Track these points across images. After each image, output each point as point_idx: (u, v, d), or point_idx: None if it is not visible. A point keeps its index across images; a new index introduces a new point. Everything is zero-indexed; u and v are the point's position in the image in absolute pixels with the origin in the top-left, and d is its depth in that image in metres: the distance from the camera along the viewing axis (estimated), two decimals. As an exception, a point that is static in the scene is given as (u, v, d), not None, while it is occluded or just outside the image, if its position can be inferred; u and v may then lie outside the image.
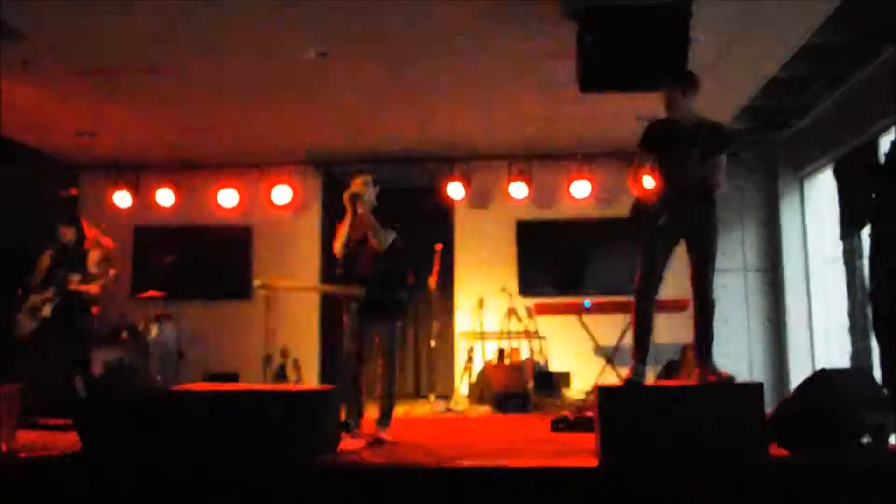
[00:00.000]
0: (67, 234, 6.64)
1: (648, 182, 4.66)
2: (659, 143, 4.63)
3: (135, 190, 9.34)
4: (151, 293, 8.08)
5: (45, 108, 7.52)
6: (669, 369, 7.79)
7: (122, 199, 9.27)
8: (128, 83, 6.90)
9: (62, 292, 6.39)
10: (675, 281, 4.96)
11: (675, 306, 7.30)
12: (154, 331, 7.98)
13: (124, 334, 7.94)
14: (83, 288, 6.46)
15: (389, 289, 5.48)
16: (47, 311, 6.35)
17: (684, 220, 4.49)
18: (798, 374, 8.47)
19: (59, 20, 5.60)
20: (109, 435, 4.52)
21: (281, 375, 8.37)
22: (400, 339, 5.57)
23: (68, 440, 4.79)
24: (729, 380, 4.30)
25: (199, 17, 5.60)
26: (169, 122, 8.07)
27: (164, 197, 9.24)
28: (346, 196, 5.47)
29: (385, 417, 5.42)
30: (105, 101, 7.40)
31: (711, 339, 4.49)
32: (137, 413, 4.59)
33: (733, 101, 7.57)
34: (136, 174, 9.41)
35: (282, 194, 9.15)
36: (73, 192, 9.62)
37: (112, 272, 6.60)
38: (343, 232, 5.51)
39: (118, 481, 4.09)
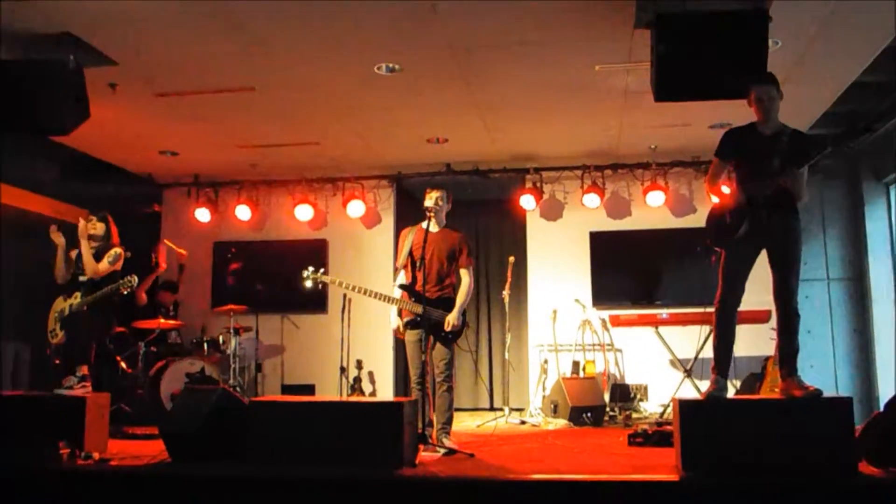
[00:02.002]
0: (97, 227, 6.00)
1: (725, 191, 4.58)
2: (737, 152, 4.55)
3: (214, 206, 9.62)
4: (230, 306, 8.29)
5: (130, 129, 7.81)
6: (750, 383, 7.60)
7: (202, 215, 9.55)
8: (208, 103, 7.12)
9: (87, 290, 5.91)
10: (756, 292, 4.85)
11: (756, 318, 7.15)
12: (233, 343, 8.18)
13: (205, 347, 8.16)
14: (89, 272, 5.89)
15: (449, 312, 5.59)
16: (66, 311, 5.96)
17: (765, 230, 4.40)
18: (887, 388, 8.20)
19: (145, 46, 5.84)
20: (194, 445, 4.66)
21: (357, 387, 8.48)
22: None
23: (155, 449, 4.95)
24: (816, 394, 4.17)
25: (273, 37, 5.75)
26: (246, 139, 8.28)
27: (242, 212, 9.48)
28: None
29: (446, 427, 5.51)
30: (186, 121, 7.65)
31: (796, 351, 4.37)
32: (220, 424, 4.72)
33: (813, 108, 7.38)
34: (216, 191, 9.69)
35: (356, 208, 9.29)
36: (156, 208, 10.01)
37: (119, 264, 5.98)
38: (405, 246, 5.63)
39: (203, 491, 4.21)
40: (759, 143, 4.46)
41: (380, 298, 5.69)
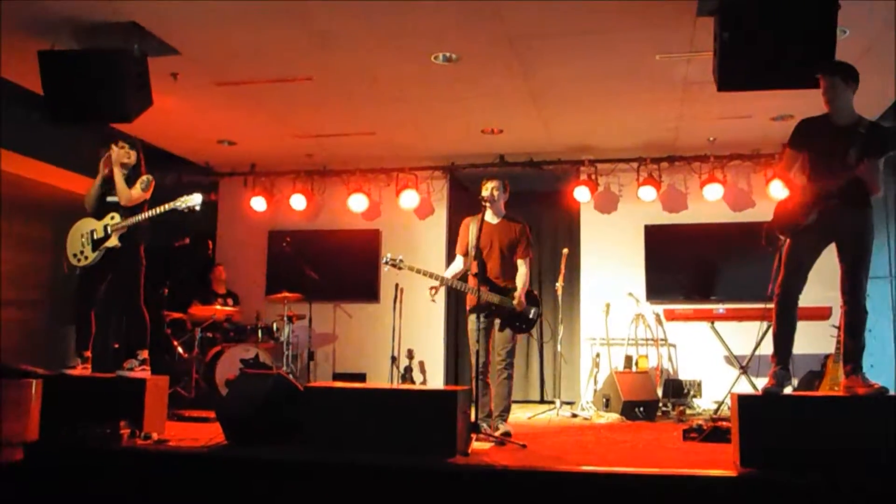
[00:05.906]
0: (130, 155, 5.71)
1: (795, 181, 4.47)
2: (810, 142, 4.43)
3: (270, 195, 9.73)
4: (284, 294, 8.39)
5: (190, 118, 7.94)
6: (809, 381, 7.44)
7: (258, 203, 9.67)
8: (266, 93, 7.20)
9: (125, 213, 5.64)
10: (818, 288, 4.74)
11: (817, 315, 7.00)
12: (286, 331, 8.28)
13: (259, 334, 8.27)
14: (123, 199, 5.62)
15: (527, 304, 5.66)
16: (114, 240, 5.59)
17: (836, 223, 4.29)
18: (952, 389, 7.93)
19: (207, 37, 5.93)
20: (250, 429, 4.73)
21: (407, 377, 8.51)
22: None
23: (211, 432, 5.04)
24: (881, 392, 4.07)
25: (332, 27, 5.78)
26: (303, 129, 8.36)
27: (297, 202, 9.57)
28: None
29: (504, 415, 5.56)
30: (244, 111, 7.75)
31: (862, 348, 4.26)
32: (273, 410, 4.78)
33: (881, 99, 7.15)
34: (271, 180, 9.80)
35: (409, 198, 9.31)
36: (213, 197, 10.16)
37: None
38: (470, 235, 5.65)
39: (258, 474, 4.27)
40: (832, 135, 4.34)
41: (456, 287, 5.75)
